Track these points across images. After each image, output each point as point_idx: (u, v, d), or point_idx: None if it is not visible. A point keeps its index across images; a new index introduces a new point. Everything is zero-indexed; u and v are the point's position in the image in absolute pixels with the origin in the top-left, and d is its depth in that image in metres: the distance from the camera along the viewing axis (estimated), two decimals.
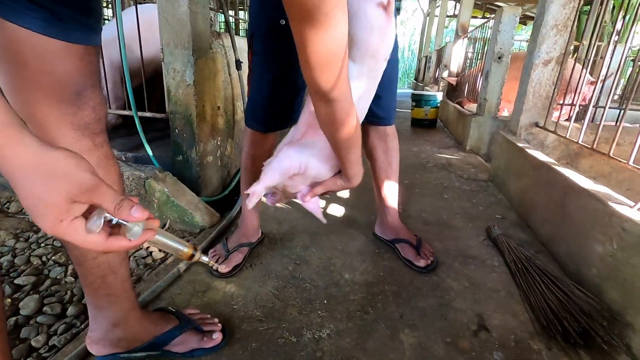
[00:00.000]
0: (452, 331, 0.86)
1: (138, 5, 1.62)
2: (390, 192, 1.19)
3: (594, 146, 1.27)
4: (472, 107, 3.21)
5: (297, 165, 0.70)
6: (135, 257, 1.16)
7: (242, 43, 1.92)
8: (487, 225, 1.34)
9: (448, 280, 1.06)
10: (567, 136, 1.47)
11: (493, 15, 2.62)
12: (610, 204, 0.93)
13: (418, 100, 3.71)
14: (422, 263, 1.08)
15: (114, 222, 0.37)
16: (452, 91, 4.16)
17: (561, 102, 1.88)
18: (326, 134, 0.67)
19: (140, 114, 1.59)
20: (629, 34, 1.39)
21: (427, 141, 3.08)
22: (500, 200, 1.71)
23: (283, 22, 0.90)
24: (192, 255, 0.45)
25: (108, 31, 1.72)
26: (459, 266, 1.13)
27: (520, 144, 1.64)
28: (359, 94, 0.72)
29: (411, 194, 1.75)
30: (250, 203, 0.70)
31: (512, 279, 1.06)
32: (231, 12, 2.72)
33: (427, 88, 6.18)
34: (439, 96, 3.70)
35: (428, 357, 0.78)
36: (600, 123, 1.27)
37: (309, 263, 1.11)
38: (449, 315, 0.91)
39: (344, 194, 1.68)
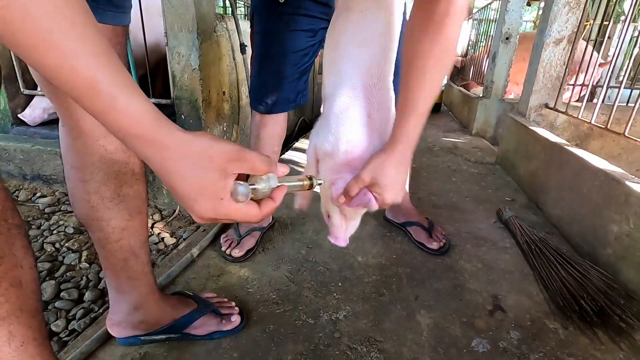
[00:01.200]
0: (467, 312, 0.86)
1: None
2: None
3: (608, 126, 1.26)
4: (479, 90, 3.16)
5: (311, 152, 0.65)
6: None
7: (245, 26, 1.88)
8: (498, 208, 1.33)
9: (461, 262, 1.06)
10: (580, 117, 1.45)
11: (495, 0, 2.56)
12: (628, 183, 0.92)
13: None
14: (434, 245, 1.08)
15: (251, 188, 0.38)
16: (457, 74, 4.10)
17: (572, 83, 1.85)
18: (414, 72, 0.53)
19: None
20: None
21: (432, 125, 3.05)
22: (509, 183, 1.70)
23: (282, 0, 0.88)
24: (311, 185, 0.46)
25: None
26: (471, 248, 1.13)
27: (530, 126, 1.62)
28: (369, 47, 0.60)
29: (419, 177, 1.74)
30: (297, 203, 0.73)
31: (525, 260, 1.06)
32: None
33: None
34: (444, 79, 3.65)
35: (445, 336, 0.79)
36: (614, 103, 1.25)
37: (322, 247, 1.11)
38: (464, 296, 0.92)
39: None
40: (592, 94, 2.20)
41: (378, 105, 0.59)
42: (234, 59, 1.79)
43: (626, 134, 1.12)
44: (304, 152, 2.08)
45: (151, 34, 1.59)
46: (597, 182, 1.04)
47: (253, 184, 0.38)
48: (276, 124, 1.05)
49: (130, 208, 0.63)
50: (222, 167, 0.34)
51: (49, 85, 0.53)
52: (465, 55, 3.92)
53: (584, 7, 1.56)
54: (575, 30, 1.60)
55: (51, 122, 1.67)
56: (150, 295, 0.70)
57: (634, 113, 1.12)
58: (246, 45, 1.75)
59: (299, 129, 2.92)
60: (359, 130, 0.58)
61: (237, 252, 1.02)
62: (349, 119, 0.58)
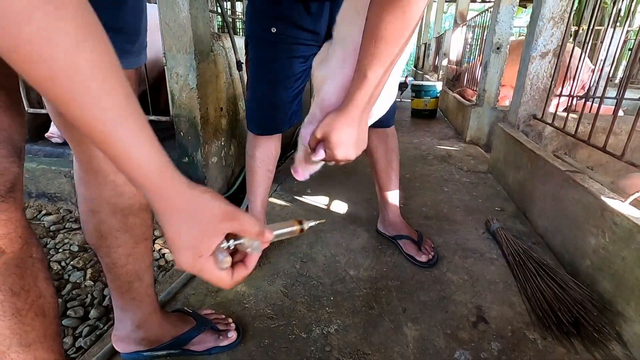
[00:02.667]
0: (452, 323, 0.91)
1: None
2: (391, 191, 1.24)
3: (590, 139, 1.31)
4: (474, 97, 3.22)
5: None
6: None
7: (241, 43, 1.94)
8: (487, 219, 1.38)
9: (448, 273, 1.11)
10: (564, 127, 1.50)
11: (491, 5, 2.62)
12: (603, 198, 0.97)
13: (418, 91, 3.72)
14: (423, 258, 1.13)
15: (231, 248, 0.40)
16: (452, 80, 4.15)
17: (559, 92, 1.90)
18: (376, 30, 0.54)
19: (151, 117, 1.62)
20: (628, 17, 1.41)
21: (427, 132, 3.10)
22: (499, 192, 1.75)
23: (274, 30, 0.94)
24: (302, 229, 0.48)
25: None
26: (458, 260, 1.18)
27: (518, 136, 1.67)
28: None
29: (412, 187, 1.79)
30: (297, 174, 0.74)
31: (510, 271, 1.11)
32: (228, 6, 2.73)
33: (426, 76, 6.16)
34: (439, 86, 3.71)
35: (430, 348, 0.84)
36: (596, 114, 1.30)
37: (315, 260, 1.16)
38: (450, 308, 0.96)
39: (346, 190, 1.72)
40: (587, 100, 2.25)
41: None
42: (230, 76, 1.85)
43: (606, 148, 1.17)
44: None
45: (151, 49, 1.64)
46: (577, 196, 1.09)
47: (240, 239, 0.40)
48: (270, 144, 1.11)
49: (136, 236, 0.68)
50: (214, 226, 0.37)
51: (64, 123, 0.57)
52: (460, 62, 3.98)
53: (568, 22, 1.61)
54: (560, 43, 1.65)
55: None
56: (152, 314, 0.75)
57: (614, 125, 1.18)
58: (242, 63, 1.81)
59: (296, 140, 2.98)
60: (338, 85, 0.63)
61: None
62: (333, 79, 0.65)
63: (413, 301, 0.99)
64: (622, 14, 2.44)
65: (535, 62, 1.72)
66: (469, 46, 3.89)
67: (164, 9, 1.44)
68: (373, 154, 1.20)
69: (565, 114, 1.59)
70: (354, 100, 0.58)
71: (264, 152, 1.10)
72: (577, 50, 2.04)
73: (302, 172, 0.73)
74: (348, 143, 0.62)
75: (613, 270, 0.90)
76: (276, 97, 1.03)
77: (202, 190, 0.37)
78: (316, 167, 0.74)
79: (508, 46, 2.46)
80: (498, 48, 2.46)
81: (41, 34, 0.26)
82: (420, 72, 7.63)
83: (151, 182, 0.35)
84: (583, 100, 1.58)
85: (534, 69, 1.73)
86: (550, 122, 1.62)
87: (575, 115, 1.55)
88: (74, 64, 0.28)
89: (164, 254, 1.23)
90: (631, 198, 0.94)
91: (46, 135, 1.66)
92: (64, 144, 1.67)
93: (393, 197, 1.25)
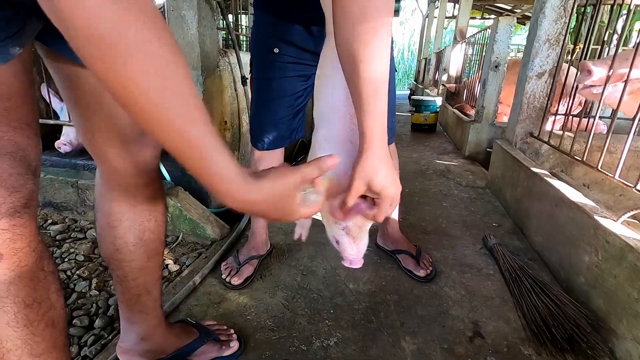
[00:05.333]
0: (449, 338, 0.93)
1: None
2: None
3: (584, 157, 1.34)
4: (473, 112, 3.27)
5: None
6: None
7: (246, 58, 2.00)
8: (484, 235, 1.41)
9: (446, 289, 1.13)
10: (560, 146, 1.54)
11: (489, 25, 2.69)
12: (596, 217, 1.00)
13: (418, 106, 3.78)
14: (421, 273, 1.16)
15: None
16: (452, 95, 4.22)
17: (556, 110, 1.95)
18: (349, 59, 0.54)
19: None
20: (623, 36, 1.45)
21: (427, 147, 3.15)
22: (497, 208, 1.78)
23: (277, 50, 0.99)
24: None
25: None
26: (456, 275, 1.20)
27: (515, 154, 1.71)
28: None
29: (411, 202, 1.82)
30: (296, 234, 0.80)
31: (507, 287, 1.13)
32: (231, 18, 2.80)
33: (427, 90, 6.25)
34: (439, 101, 3.77)
35: None
36: (590, 134, 1.34)
37: (315, 273, 1.19)
38: (447, 323, 0.98)
39: None
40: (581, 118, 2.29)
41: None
42: (235, 90, 1.90)
43: (599, 167, 1.20)
44: None
45: None
46: (571, 214, 1.12)
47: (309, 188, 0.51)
48: (273, 159, 1.15)
49: (149, 251, 0.70)
50: (288, 194, 0.46)
51: (90, 142, 0.60)
52: (460, 78, 4.05)
53: (563, 44, 1.67)
54: (556, 64, 1.71)
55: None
56: (157, 327, 0.77)
57: (607, 145, 1.21)
58: (247, 78, 1.86)
59: (299, 149, 3.02)
60: (342, 155, 0.56)
61: (236, 280, 1.10)
62: (332, 147, 0.64)
63: (411, 315, 1.01)
64: (618, 33, 2.51)
65: (532, 81, 1.77)
66: (468, 63, 3.97)
67: (173, 26, 1.50)
68: None
69: (562, 132, 1.63)
70: (374, 136, 0.54)
71: (267, 166, 1.14)
72: (573, 70, 2.09)
73: (357, 255, 0.65)
74: (394, 176, 0.58)
75: (606, 288, 0.92)
76: (278, 114, 1.07)
77: (269, 177, 0.44)
78: (366, 241, 0.67)
79: (506, 64, 2.52)
80: (496, 66, 2.52)
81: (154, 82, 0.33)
82: (420, 86, 7.74)
83: (238, 189, 0.41)
84: (579, 118, 1.62)
85: (531, 89, 1.78)
86: (546, 140, 1.67)
87: (571, 134, 1.59)
88: (184, 103, 0.35)
89: (167, 265, 1.25)
90: (623, 218, 0.98)
91: (56, 144, 1.70)
92: (70, 154, 1.71)
93: (393, 212, 1.28)
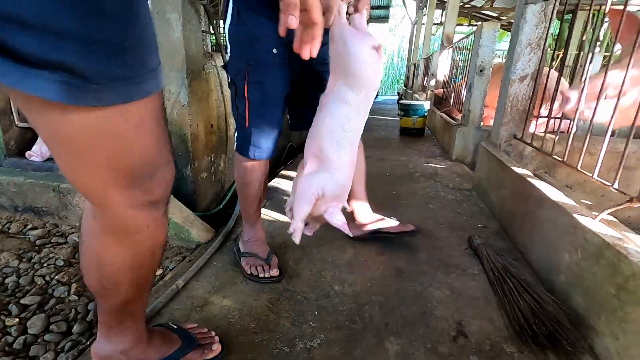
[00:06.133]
0: (432, 338, 0.93)
1: None
2: (364, 195, 1.37)
3: (565, 158, 1.37)
4: (460, 116, 3.31)
5: (316, 191, 0.82)
6: None
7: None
8: (469, 235, 1.42)
9: (431, 289, 1.13)
10: (542, 148, 1.57)
11: (474, 30, 2.74)
12: (575, 215, 1.02)
13: (406, 110, 3.82)
14: (409, 228, 1.32)
15: None
16: (440, 100, 4.28)
17: (538, 112, 1.99)
18: None
19: None
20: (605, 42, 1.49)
21: (415, 150, 3.18)
22: (483, 210, 1.80)
23: (275, 51, 0.98)
24: None
25: None
26: (441, 275, 1.21)
27: (499, 156, 1.73)
28: (361, 116, 0.84)
29: (399, 204, 1.83)
30: (297, 239, 0.82)
31: (490, 286, 1.14)
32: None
33: (416, 95, 6.32)
34: (426, 105, 3.81)
35: None
36: (570, 135, 1.37)
37: (301, 276, 1.18)
38: (431, 323, 0.99)
39: None
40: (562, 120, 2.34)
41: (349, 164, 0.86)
42: (222, 93, 1.89)
43: (579, 167, 1.23)
44: (290, 179, 2.16)
45: None
46: (552, 214, 1.14)
47: None
48: (262, 168, 1.14)
49: (140, 286, 0.65)
50: None
51: (80, 182, 0.50)
52: (447, 83, 4.10)
53: (543, 48, 1.71)
54: (537, 68, 1.74)
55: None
56: (138, 343, 0.74)
57: (586, 146, 1.24)
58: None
59: (287, 155, 3.02)
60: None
61: (275, 271, 1.14)
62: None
63: (395, 316, 1.01)
64: (600, 39, 2.58)
65: (514, 85, 1.81)
66: (455, 68, 4.03)
67: (157, 29, 1.49)
68: None
69: (547, 134, 1.66)
70: None
71: (257, 175, 1.13)
72: (554, 73, 2.14)
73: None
74: None
75: (585, 286, 0.94)
76: (276, 119, 1.07)
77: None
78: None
79: (490, 69, 2.57)
80: (481, 71, 2.56)
81: None
82: (410, 91, 7.82)
83: None
84: (562, 120, 1.65)
85: (514, 92, 1.81)
86: (529, 142, 1.69)
87: (553, 136, 1.62)
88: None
89: None
90: (601, 216, 0.99)
91: (27, 153, 1.68)
92: (48, 160, 1.68)
93: (365, 199, 1.37)
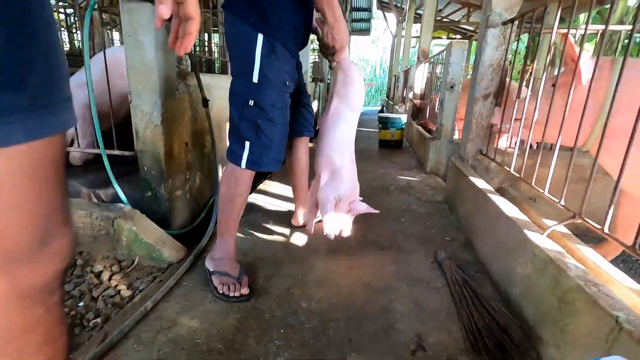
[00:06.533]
0: (393, 352, 0.97)
1: (116, 45, 1.71)
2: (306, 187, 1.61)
3: (522, 174, 1.45)
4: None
5: (334, 198, 1.18)
6: (103, 296, 1.22)
7: (207, 80, 2.03)
8: (435, 249, 1.48)
9: (395, 303, 1.18)
10: (503, 163, 1.65)
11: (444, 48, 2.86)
12: (525, 231, 1.08)
13: (384, 123, 3.92)
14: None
15: None
16: (417, 112, 4.40)
17: (499, 128, 2.08)
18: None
19: (108, 151, 1.66)
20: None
21: (393, 162, 3.25)
22: (452, 222, 1.86)
23: (287, 83, 1.18)
24: None
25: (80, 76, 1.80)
26: (406, 289, 1.25)
27: (465, 171, 1.81)
28: (354, 128, 1.30)
29: (371, 218, 1.87)
30: (332, 236, 1.23)
31: (452, 299, 1.19)
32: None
33: (396, 107, 6.47)
34: (404, 118, 3.92)
35: None
36: (526, 152, 1.45)
37: (270, 293, 1.21)
38: (393, 337, 1.03)
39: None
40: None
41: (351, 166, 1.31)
42: (197, 112, 1.92)
43: (533, 184, 1.30)
44: (266, 195, 2.19)
45: (124, 83, 1.71)
46: (507, 228, 1.21)
47: None
48: (251, 180, 1.25)
49: None
50: None
51: None
52: (423, 96, 4.24)
53: (503, 68, 1.81)
54: (498, 87, 1.84)
55: None
56: None
57: (538, 164, 1.32)
58: (208, 100, 1.89)
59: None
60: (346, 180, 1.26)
61: (245, 290, 1.17)
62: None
63: (360, 331, 1.05)
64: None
65: (479, 102, 1.90)
66: (432, 81, 4.16)
67: (130, 49, 1.52)
68: (299, 162, 1.56)
69: (509, 150, 1.74)
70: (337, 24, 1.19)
71: (247, 187, 1.24)
72: (524, 90, 2.25)
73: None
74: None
75: (534, 298, 1.00)
76: (284, 139, 1.26)
77: None
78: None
79: (460, 85, 2.68)
80: (452, 87, 2.67)
81: None
82: (391, 102, 7.99)
83: None
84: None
85: (479, 109, 1.90)
86: (493, 157, 1.78)
87: (520, 152, 1.70)
88: None
89: (119, 291, 1.24)
90: (548, 231, 1.06)
91: None
92: None
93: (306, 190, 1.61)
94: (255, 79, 1.12)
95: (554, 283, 0.90)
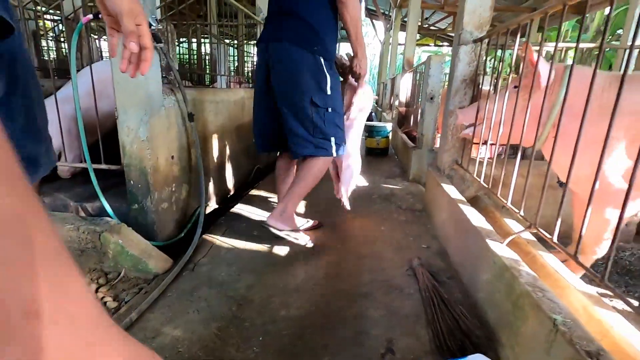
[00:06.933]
0: (365, 356, 1.04)
1: (103, 60, 1.76)
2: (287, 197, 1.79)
3: (489, 185, 1.54)
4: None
5: (354, 174, 1.90)
6: None
7: (194, 94, 2.09)
8: (410, 257, 1.55)
9: (370, 309, 1.25)
10: (476, 173, 1.74)
11: (424, 61, 2.97)
12: (487, 240, 1.16)
13: (370, 131, 4.01)
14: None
15: None
16: (402, 120, 4.51)
17: (472, 139, 2.18)
18: (353, 27, 1.55)
19: (95, 166, 1.70)
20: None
21: (378, 170, 3.34)
22: (429, 230, 1.95)
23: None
24: None
25: (67, 90, 1.85)
26: (381, 296, 1.32)
27: (440, 180, 1.90)
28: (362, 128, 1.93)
29: (352, 227, 1.95)
30: (348, 206, 1.92)
31: (423, 305, 1.27)
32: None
33: (384, 114, 6.59)
34: (389, 126, 4.02)
35: None
36: (493, 163, 1.54)
37: (251, 302, 1.27)
38: (366, 342, 1.09)
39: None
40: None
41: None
42: (183, 126, 1.98)
43: (498, 195, 1.39)
44: (250, 205, 2.25)
45: (109, 103, 1.77)
46: (474, 237, 1.29)
47: None
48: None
49: None
50: None
51: None
52: (408, 104, 4.35)
53: (474, 84, 1.91)
54: (470, 101, 1.94)
55: None
56: None
57: (503, 174, 1.40)
58: (193, 114, 1.95)
59: (254, 177, 3.11)
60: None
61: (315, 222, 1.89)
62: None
63: (335, 337, 1.11)
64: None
65: (454, 115, 1.99)
66: (415, 90, 4.28)
67: (116, 68, 1.57)
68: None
69: (488, 159, 1.83)
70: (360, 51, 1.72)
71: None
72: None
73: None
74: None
75: (494, 303, 1.08)
76: None
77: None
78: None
79: (440, 96, 2.78)
80: (431, 98, 2.77)
81: None
82: (380, 109, 8.12)
83: None
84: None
85: (453, 122, 2.00)
86: (466, 167, 1.87)
87: (488, 161, 1.79)
88: None
89: (105, 302, 1.28)
90: (507, 240, 1.15)
91: None
92: None
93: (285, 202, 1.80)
94: (328, 92, 1.56)
95: (509, 289, 0.98)
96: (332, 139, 1.60)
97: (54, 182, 1.93)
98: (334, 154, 1.63)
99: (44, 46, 4.46)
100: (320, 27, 1.51)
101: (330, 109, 1.56)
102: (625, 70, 0.79)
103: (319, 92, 1.52)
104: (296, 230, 1.73)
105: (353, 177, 1.87)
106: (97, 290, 1.36)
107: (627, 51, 0.81)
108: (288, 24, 1.50)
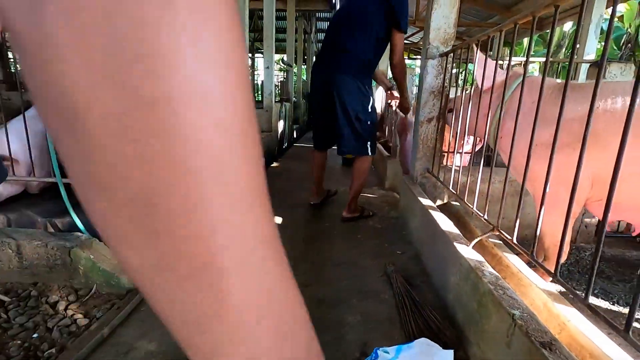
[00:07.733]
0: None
1: None
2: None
3: (458, 191, 1.61)
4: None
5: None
6: (59, 326, 1.23)
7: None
8: (385, 263, 1.60)
9: (347, 315, 1.27)
10: (446, 181, 1.82)
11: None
12: (455, 243, 1.22)
13: None
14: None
15: None
16: (378, 131, 4.62)
17: (440, 147, 2.28)
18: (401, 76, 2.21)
19: (65, 180, 1.67)
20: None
21: None
22: (404, 236, 2.00)
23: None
24: None
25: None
26: (357, 302, 1.35)
27: (412, 188, 1.97)
28: None
29: (329, 236, 1.98)
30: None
31: (396, 309, 1.30)
32: None
33: None
34: None
35: None
36: (459, 171, 1.62)
37: None
38: (342, 347, 1.12)
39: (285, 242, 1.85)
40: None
41: None
42: None
43: (465, 200, 1.46)
44: None
45: None
46: (443, 241, 1.35)
47: None
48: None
49: None
50: None
51: None
52: (383, 116, 4.47)
53: (442, 95, 2.01)
54: (439, 111, 2.04)
55: None
56: None
57: (468, 184, 1.48)
58: None
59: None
60: None
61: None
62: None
63: None
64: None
65: (424, 125, 2.08)
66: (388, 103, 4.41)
67: None
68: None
69: (455, 167, 1.92)
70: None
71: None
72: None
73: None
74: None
75: (462, 303, 1.13)
76: None
77: None
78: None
79: (411, 107, 2.89)
80: None
81: None
82: None
83: None
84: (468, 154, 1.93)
85: (424, 132, 2.09)
86: (437, 175, 1.95)
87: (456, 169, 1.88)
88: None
89: (75, 320, 1.25)
90: (473, 243, 1.21)
91: None
92: None
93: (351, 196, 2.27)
94: (369, 110, 2.13)
95: (474, 289, 1.03)
96: (368, 143, 2.15)
97: (22, 199, 1.86)
98: (370, 154, 2.18)
99: (10, 58, 4.33)
100: (370, 63, 2.13)
101: (369, 122, 2.13)
102: (567, 81, 0.88)
103: (363, 111, 2.10)
104: (361, 215, 2.26)
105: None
106: (67, 308, 1.32)
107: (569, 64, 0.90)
108: (346, 60, 2.04)
